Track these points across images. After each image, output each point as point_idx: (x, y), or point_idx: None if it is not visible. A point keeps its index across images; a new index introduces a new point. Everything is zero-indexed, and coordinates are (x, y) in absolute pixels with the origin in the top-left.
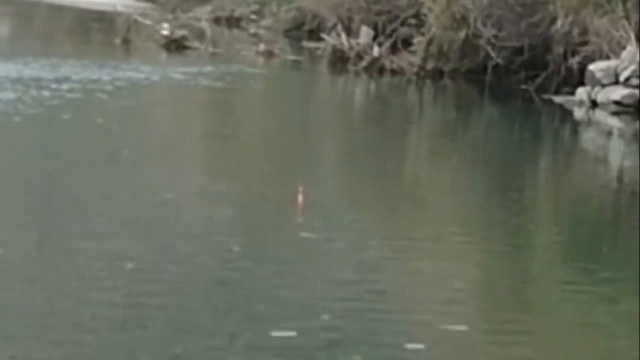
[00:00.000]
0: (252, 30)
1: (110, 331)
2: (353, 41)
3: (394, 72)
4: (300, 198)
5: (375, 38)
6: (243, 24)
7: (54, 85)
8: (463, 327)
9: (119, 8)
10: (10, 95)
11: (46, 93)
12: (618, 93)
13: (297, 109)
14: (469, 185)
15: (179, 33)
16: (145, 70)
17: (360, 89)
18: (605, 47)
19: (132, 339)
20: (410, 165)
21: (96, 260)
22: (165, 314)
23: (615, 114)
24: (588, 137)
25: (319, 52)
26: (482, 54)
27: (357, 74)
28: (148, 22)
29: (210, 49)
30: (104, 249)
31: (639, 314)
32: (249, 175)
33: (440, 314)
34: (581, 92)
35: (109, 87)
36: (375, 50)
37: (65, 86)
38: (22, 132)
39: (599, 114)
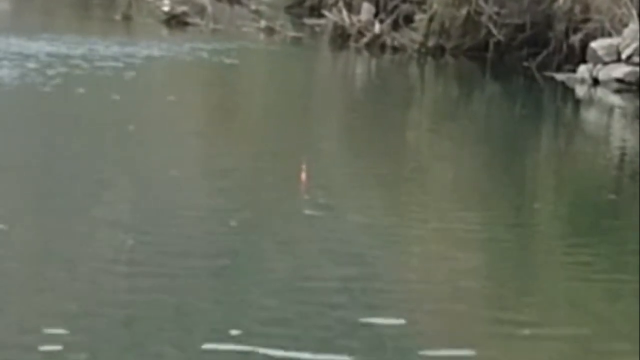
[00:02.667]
0: (253, 6)
1: (111, 307)
2: (354, 18)
3: (395, 49)
4: (303, 175)
5: (376, 15)
6: (244, 0)
7: (57, 61)
8: (466, 307)
9: None
10: (16, 69)
11: (50, 68)
12: (620, 71)
13: (299, 86)
14: (471, 163)
15: (180, 9)
16: (146, 46)
17: (361, 66)
18: (607, 25)
19: (132, 318)
20: (412, 142)
21: (98, 237)
22: (165, 292)
23: (617, 91)
24: (590, 115)
25: (318, 29)
26: (483, 31)
27: (358, 50)
28: None
29: (211, 25)
30: (106, 226)
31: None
32: (252, 152)
33: (442, 293)
34: (583, 70)
35: (111, 63)
36: (377, 27)
37: (68, 61)
38: (29, 106)
39: (600, 92)
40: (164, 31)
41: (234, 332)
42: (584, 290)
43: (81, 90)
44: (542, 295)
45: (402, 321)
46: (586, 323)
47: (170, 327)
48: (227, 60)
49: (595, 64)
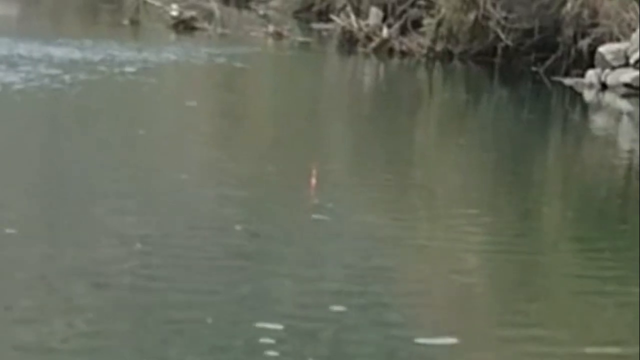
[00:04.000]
0: (261, 11)
1: (115, 311)
2: (362, 22)
3: (403, 53)
4: (312, 180)
5: (384, 19)
6: (252, 4)
7: (67, 65)
8: (472, 311)
9: None
10: (28, 74)
11: (62, 73)
12: (628, 75)
13: (308, 91)
14: (480, 168)
15: (188, 14)
16: (155, 51)
17: (369, 70)
18: (616, 29)
19: (137, 320)
20: (421, 146)
21: (107, 241)
22: (170, 296)
23: (625, 96)
24: (598, 120)
25: (325, 33)
26: (492, 35)
27: (366, 55)
28: (157, 3)
29: (219, 30)
30: (115, 229)
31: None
32: (262, 156)
33: (449, 297)
34: (591, 75)
35: (120, 68)
36: (385, 32)
37: (79, 66)
38: (42, 111)
39: (608, 97)
40: (172, 36)
41: (242, 341)
42: (594, 300)
43: (90, 95)
44: (552, 306)
45: (410, 326)
46: (599, 335)
47: (176, 336)
48: (235, 65)
49: (603, 69)
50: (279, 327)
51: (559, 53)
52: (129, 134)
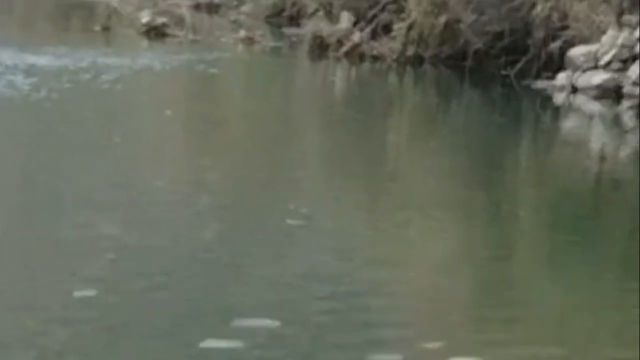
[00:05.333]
0: (232, 17)
1: (88, 321)
2: (333, 27)
3: (374, 58)
4: (285, 184)
5: (355, 24)
6: (223, 10)
7: (37, 72)
8: (449, 314)
9: None
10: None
11: (31, 79)
12: (599, 77)
13: (279, 96)
14: (451, 172)
15: (159, 20)
16: (126, 57)
17: (341, 75)
18: (586, 32)
19: (112, 330)
20: (392, 150)
21: (79, 250)
22: (144, 304)
23: (595, 98)
24: (569, 122)
25: (294, 38)
26: (462, 39)
27: (337, 60)
28: (128, 9)
29: (191, 36)
30: (89, 237)
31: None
32: (235, 162)
33: (426, 301)
34: (562, 77)
35: (94, 74)
36: (356, 36)
37: (51, 73)
38: (15, 118)
39: (579, 99)
40: (144, 42)
41: (218, 347)
42: (569, 302)
43: (64, 102)
44: (526, 310)
45: (385, 330)
46: (572, 340)
47: (151, 341)
48: (207, 71)
49: (574, 71)
50: (254, 332)
51: (529, 56)
52: (103, 141)
